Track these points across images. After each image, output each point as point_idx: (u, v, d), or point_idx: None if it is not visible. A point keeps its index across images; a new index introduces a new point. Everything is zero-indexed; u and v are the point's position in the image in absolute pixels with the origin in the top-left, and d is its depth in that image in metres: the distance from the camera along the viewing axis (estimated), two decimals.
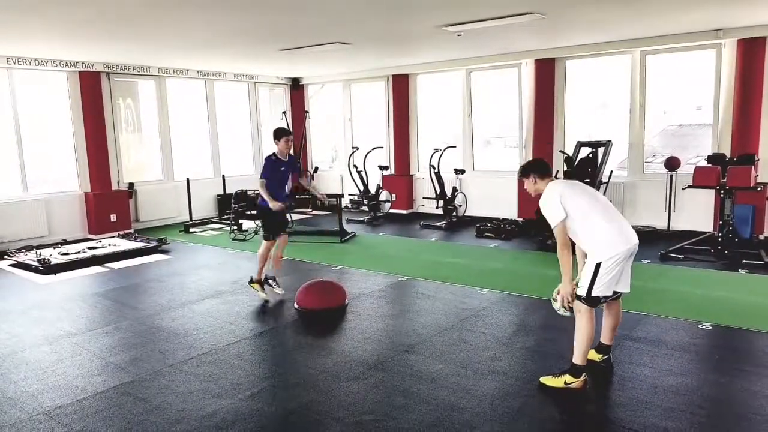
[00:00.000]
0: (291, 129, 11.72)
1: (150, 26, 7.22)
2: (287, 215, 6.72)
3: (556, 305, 4.15)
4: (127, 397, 4.09)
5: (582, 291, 3.98)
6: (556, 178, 4.33)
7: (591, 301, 3.96)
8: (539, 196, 4.16)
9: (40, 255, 8.46)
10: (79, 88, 10.26)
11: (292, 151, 6.64)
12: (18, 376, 4.53)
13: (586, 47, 9.77)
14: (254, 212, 10.70)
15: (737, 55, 8.67)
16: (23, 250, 8.95)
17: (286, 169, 6.42)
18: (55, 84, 10.17)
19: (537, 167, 4.23)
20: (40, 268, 7.95)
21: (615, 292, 4.07)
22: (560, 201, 3.94)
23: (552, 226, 3.99)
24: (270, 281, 6.59)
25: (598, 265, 3.89)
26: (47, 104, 10.38)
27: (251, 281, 6.54)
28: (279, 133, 6.40)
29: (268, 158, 6.35)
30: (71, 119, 10.30)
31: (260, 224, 6.68)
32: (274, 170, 6.31)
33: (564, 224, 3.94)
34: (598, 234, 3.93)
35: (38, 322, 5.85)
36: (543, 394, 4.00)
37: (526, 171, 4.24)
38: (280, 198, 6.41)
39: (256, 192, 10.93)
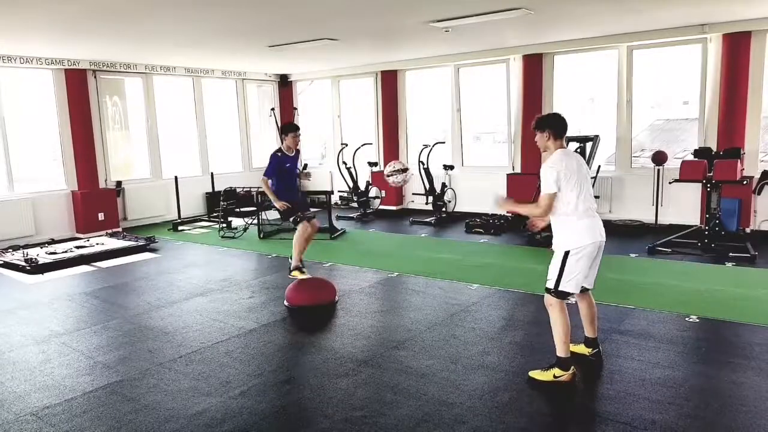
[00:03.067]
0: (280, 126, 11.69)
1: (136, 23, 7.18)
2: (306, 201, 6.78)
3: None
4: (115, 397, 4.08)
5: (551, 284, 4.04)
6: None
7: (559, 294, 4.01)
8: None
9: (27, 254, 8.41)
10: (65, 85, 10.18)
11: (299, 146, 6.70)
12: (5, 376, 4.49)
13: (573, 42, 9.79)
14: (245, 209, 10.73)
15: (723, 49, 8.72)
16: (10, 250, 8.89)
17: (293, 164, 6.47)
18: (41, 82, 10.09)
19: (555, 125, 4.09)
20: (28, 267, 7.89)
21: (582, 288, 4.13)
22: (560, 175, 3.93)
23: (542, 192, 3.98)
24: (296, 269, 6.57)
25: (566, 254, 3.95)
26: (33, 102, 10.30)
27: (290, 270, 6.50)
28: (287, 129, 6.48)
29: (273, 155, 6.40)
30: (57, 117, 10.22)
31: (284, 218, 6.76)
32: (280, 166, 6.36)
33: (551, 198, 3.95)
34: (575, 222, 3.97)
35: (25, 322, 5.81)
36: (532, 388, 4.02)
37: (542, 124, 4.10)
38: (294, 195, 6.51)
39: (246, 190, 10.94)
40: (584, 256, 3.97)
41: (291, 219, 6.54)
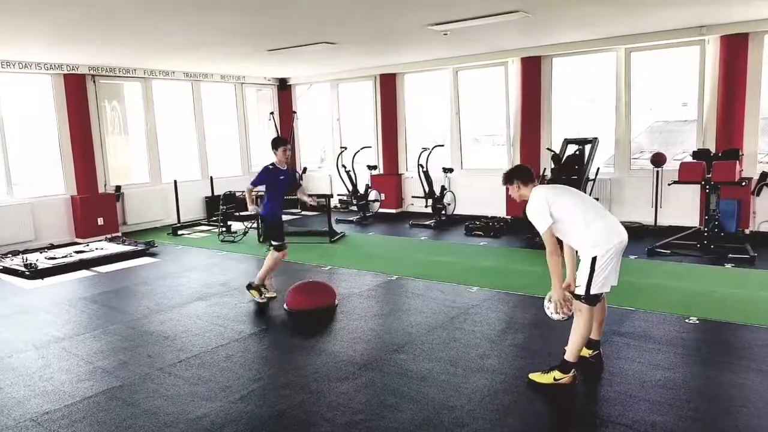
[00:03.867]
0: (279, 130, 11.71)
1: (135, 27, 7.18)
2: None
3: (549, 311, 4.14)
4: (115, 402, 4.07)
5: (581, 290, 3.99)
6: (540, 182, 4.34)
7: (591, 299, 3.98)
8: (524, 201, 4.19)
9: (26, 260, 8.40)
10: (64, 90, 10.18)
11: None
12: (4, 381, 4.48)
13: (571, 45, 9.81)
14: (243, 213, 10.73)
15: (721, 51, 8.73)
16: (9, 255, 8.88)
17: (286, 178, 6.33)
18: (40, 87, 10.09)
19: (520, 174, 4.22)
20: (27, 272, 7.89)
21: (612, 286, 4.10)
22: (547, 206, 3.96)
23: (540, 233, 4.01)
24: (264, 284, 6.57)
25: (594, 259, 3.92)
26: (32, 107, 10.30)
27: (249, 287, 6.42)
28: (276, 143, 6.34)
29: (264, 168, 6.27)
30: (56, 122, 10.22)
31: (269, 235, 6.66)
32: (271, 180, 6.23)
33: (551, 230, 3.97)
34: (590, 230, 3.96)
35: (25, 327, 5.80)
36: (532, 391, 4.02)
37: (509, 178, 4.25)
38: (281, 209, 6.44)
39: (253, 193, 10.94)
40: (610, 258, 3.94)
41: (276, 242, 6.36)
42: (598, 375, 4.25)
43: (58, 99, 10.18)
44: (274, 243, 6.40)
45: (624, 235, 4.03)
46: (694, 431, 3.43)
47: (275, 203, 6.33)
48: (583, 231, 3.97)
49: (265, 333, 5.44)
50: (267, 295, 6.44)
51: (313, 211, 12.76)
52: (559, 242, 4.08)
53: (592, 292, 3.96)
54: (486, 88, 11.79)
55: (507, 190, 4.36)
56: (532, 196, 4.11)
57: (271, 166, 6.28)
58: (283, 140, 6.44)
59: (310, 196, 6.85)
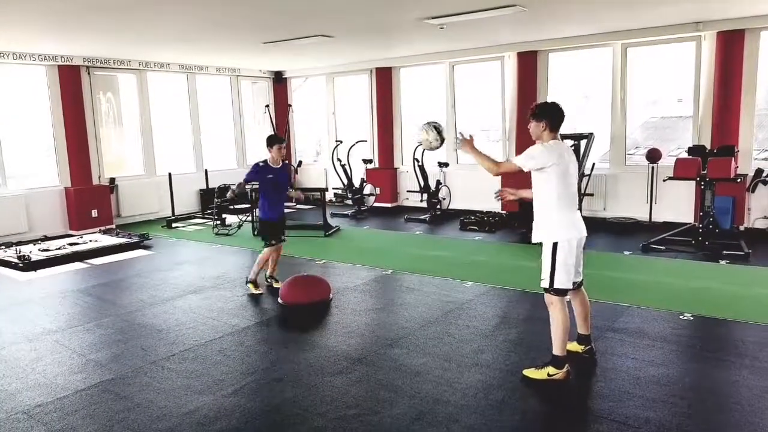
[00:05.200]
0: (274, 123, 11.67)
1: (129, 18, 7.13)
2: (284, 224, 6.68)
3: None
4: (108, 395, 4.05)
5: (545, 282, 4.05)
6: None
7: (557, 291, 4.03)
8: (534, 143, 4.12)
9: (19, 251, 8.35)
10: (59, 82, 10.12)
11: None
12: None
13: (567, 40, 9.79)
14: (239, 206, 10.70)
15: (717, 47, 8.73)
16: (2, 247, 8.84)
17: (276, 176, 6.22)
18: (34, 78, 10.02)
19: (554, 116, 4.01)
20: (20, 264, 7.85)
21: (574, 283, 4.13)
22: (547, 162, 3.92)
23: (514, 161, 4.05)
24: (269, 279, 6.59)
25: (555, 246, 3.96)
26: (26, 99, 10.22)
27: (248, 281, 6.49)
28: (271, 141, 6.25)
29: (255, 164, 6.23)
30: (51, 114, 10.16)
31: (261, 233, 6.63)
32: (261, 178, 6.18)
33: (514, 170, 4.05)
34: (560, 213, 3.98)
35: (17, 320, 5.78)
36: (526, 386, 4.02)
37: (541, 114, 4.02)
38: (279, 212, 6.36)
39: (248, 187, 10.90)
40: (572, 247, 3.99)
41: (265, 239, 6.39)
42: (591, 371, 4.25)
43: (53, 90, 10.12)
44: (264, 240, 6.44)
45: (584, 232, 4.10)
46: (688, 427, 3.43)
47: (267, 203, 6.28)
48: (555, 209, 3.98)
49: (258, 327, 5.42)
50: (275, 285, 6.47)
51: (308, 204, 12.78)
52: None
53: (556, 285, 4.00)
54: (482, 82, 11.76)
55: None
56: (547, 145, 3.99)
57: (261, 164, 6.21)
58: (279, 138, 6.33)
59: (296, 190, 6.79)
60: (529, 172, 4.05)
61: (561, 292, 4.04)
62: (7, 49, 9.17)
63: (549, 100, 4.19)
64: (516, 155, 4.27)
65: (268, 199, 6.27)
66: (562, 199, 3.98)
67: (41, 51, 9.55)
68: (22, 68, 9.83)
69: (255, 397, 3.97)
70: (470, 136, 4.22)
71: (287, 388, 4.11)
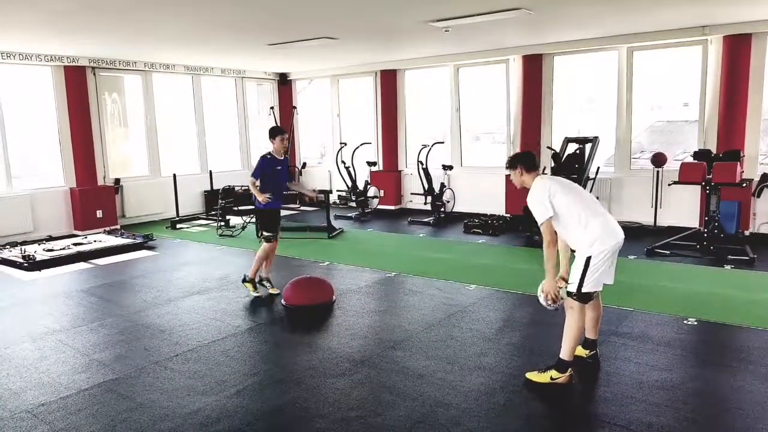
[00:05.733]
0: (279, 124, 11.70)
1: (135, 20, 7.16)
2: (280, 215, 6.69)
3: (542, 299, 4.16)
4: (111, 395, 4.06)
5: (573, 287, 3.99)
6: (543, 173, 4.34)
7: (582, 297, 3.97)
8: (524, 189, 4.19)
9: (24, 251, 8.38)
10: (65, 83, 10.16)
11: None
12: (1, 373, 4.48)
13: (573, 43, 9.78)
14: (242, 208, 10.70)
15: (723, 51, 8.71)
16: (8, 247, 8.87)
17: (283, 168, 6.33)
18: (40, 79, 10.06)
19: (524, 160, 4.21)
20: (25, 264, 7.88)
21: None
22: (548, 197, 3.96)
23: (539, 223, 4.00)
24: (264, 282, 6.55)
25: (588, 260, 3.90)
26: (32, 99, 10.26)
27: (244, 280, 6.47)
28: (274, 132, 6.31)
29: (262, 157, 6.27)
30: (56, 114, 10.20)
31: (261, 226, 6.59)
32: (269, 169, 6.21)
33: (551, 221, 3.96)
34: (587, 229, 3.93)
35: (22, 319, 5.79)
36: (529, 390, 4.01)
37: (513, 163, 4.24)
38: (280, 199, 6.38)
39: (245, 188, 10.92)
40: (605, 258, 3.92)
41: (265, 234, 6.37)
42: (595, 375, 4.24)
43: (59, 91, 10.16)
44: (265, 234, 6.39)
45: (620, 236, 4.01)
46: None
47: (271, 193, 6.25)
48: (580, 228, 3.95)
49: (262, 328, 5.43)
50: (270, 291, 6.45)
51: (312, 206, 12.79)
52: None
53: (584, 290, 3.96)
54: (487, 85, 11.76)
55: (510, 178, 4.35)
56: (534, 184, 4.10)
57: (268, 155, 6.27)
58: (281, 129, 6.43)
59: (313, 189, 6.78)
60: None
61: (586, 298, 3.99)
62: (13, 49, 9.21)
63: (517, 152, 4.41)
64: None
65: (270, 189, 6.25)
66: (584, 212, 3.96)
67: (47, 52, 9.59)
68: (28, 69, 9.87)
69: (257, 399, 3.98)
70: (550, 295, 4.14)
71: (289, 389, 4.11)
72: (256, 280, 6.47)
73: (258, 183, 6.23)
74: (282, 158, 6.36)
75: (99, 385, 4.23)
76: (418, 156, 10.91)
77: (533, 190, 4.09)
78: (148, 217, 11.44)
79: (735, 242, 7.86)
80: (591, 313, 4.31)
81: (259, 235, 9.52)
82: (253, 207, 6.83)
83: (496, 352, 4.70)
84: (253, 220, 10.01)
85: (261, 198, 6.11)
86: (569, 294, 4.02)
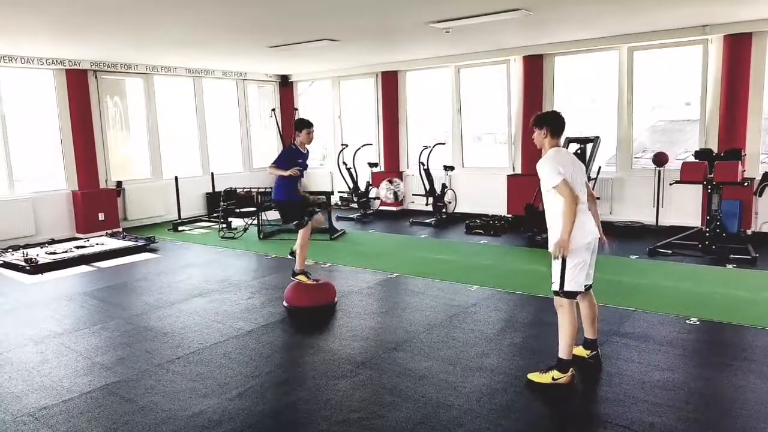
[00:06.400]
0: (280, 127, 11.69)
1: (136, 22, 7.17)
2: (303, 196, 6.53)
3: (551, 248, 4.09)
4: (113, 398, 4.06)
5: (556, 286, 4.04)
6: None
7: (567, 294, 4.01)
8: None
9: (27, 254, 8.40)
10: (66, 86, 10.18)
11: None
12: (3, 377, 4.48)
13: (573, 43, 9.78)
14: (244, 210, 10.70)
15: (724, 50, 8.70)
16: (10, 250, 8.88)
17: (303, 161, 6.28)
18: (42, 82, 10.08)
19: (553, 122, 4.12)
20: (27, 267, 7.89)
21: (585, 285, 4.11)
22: (556, 167, 3.93)
23: (553, 185, 3.91)
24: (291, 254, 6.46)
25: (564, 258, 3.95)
26: (34, 102, 10.29)
27: (294, 274, 6.30)
28: (301, 124, 6.24)
29: (288, 146, 6.25)
30: (58, 117, 10.22)
31: (286, 217, 6.45)
32: (291, 159, 6.13)
33: (565, 182, 3.88)
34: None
35: (24, 322, 5.80)
36: (531, 390, 4.01)
37: (541, 121, 4.13)
38: (296, 194, 6.25)
39: (246, 190, 10.92)
40: (583, 252, 3.97)
41: (296, 222, 6.25)
42: (596, 375, 4.23)
43: (60, 94, 10.18)
44: (296, 223, 6.27)
45: (597, 234, 4.06)
46: None
47: (290, 187, 6.16)
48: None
49: (263, 330, 5.43)
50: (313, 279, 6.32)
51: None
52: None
53: (567, 288, 3.97)
54: (488, 86, 11.76)
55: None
56: (550, 153, 4.05)
57: (293, 146, 6.23)
58: (308, 122, 6.32)
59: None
60: (539, 183, 4.05)
61: (571, 295, 4.02)
62: (15, 53, 9.23)
63: (550, 109, 4.21)
64: (522, 158, 4.30)
65: (293, 183, 6.16)
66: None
67: (49, 55, 9.61)
68: (29, 72, 9.88)
69: (259, 401, 3.98)
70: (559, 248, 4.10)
71: (291, 391, 4.11)
72: (305, 269, 6.31)
73: (275, 166, 6.10)
74: (305, 152, 6.31)
75: (101, 388, 4.23)
76: (419, 157, 10.91)
77: (546, 157, 4.03)
78: (150, 220, 11.45)
79: (737, 241, 7.85)
80: (586, 311, 4.31)
81: (261, 237, 9.58)
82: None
83: (498, 353, 4.69)
84: (254, 222, 10.02)
85: (287, 173, 5.97)
86: (555, 293, 4.06)
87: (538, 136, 4.15)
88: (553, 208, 4.03)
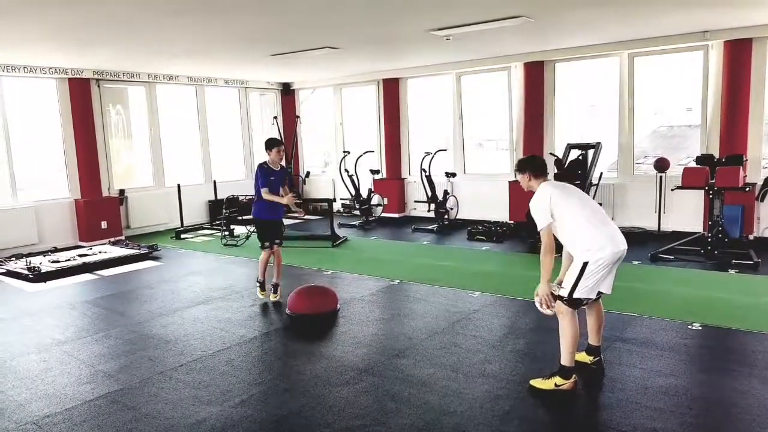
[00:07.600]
0: (282, 134, 11.73)
1: (139, 32, 7.21)
2: (282, 226, 6.83)
3: (537, 305, 4.17)
4: (116, 406, 4.07)
5: (564, 292, 4.01)
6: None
7: (572, 302, 3.99)
8: (530, 192, 4.21)
9: (30, 263, 8.42)
10: (69, 95, 10.22)
11: (283, 162, 6.61)
12: (6, 385, 4.49)
13: (574, 50, 9.81)
14: (246, 218, 10.71)
15: (724, 56, 8.72)
16: (13, 258, 8.91)
17: (277, 179, 6.39)
18: (45, 91, 10.13)
19: (533, 165, 4.24)
20: (30, 276, 7.91)
21: (598, 293, 4.08)
22: (549, 204, 3.97)
23: (539, 229, 4.02)
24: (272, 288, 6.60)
25: (585, 264, 3.91)
26: (37, 111, 10.34)
27: (258, 282, 6.66)
28: (270, 144, 6.38)
29: (259, 166, 6.34)
30: (61, 126, 10.26)
31: (259, 237, 6.65)
32: (265, 178, 6.29)
33: (550, 228, 3.98)
34: (587, 237, 3.93)
35: (27, 331, 5.82)
36: (533, 397, 4.01)
37: (522, 166, 4.27)
38: (278, 213, 6.49)
39: (248, 198, 10.94)
40: (603, 266, 3.91)
41: (259, 242, 6.55)
42: (599, 381, 4.24)
43: (63, 103, 10.22)
44: (259, 243, 6.57)
45: (622, 246, 3.99)
46: None
47: (264, 204, 6.32)
48: (580, 234, 3.96)
49: (266, 337, 5.44)
50: (271, 297, 6.52)
51: (316, 215, 12.82)
52: (559, 246, 4.08)
53: (575, 296, 3.97)
54: (489, 92, 11.79)
55: (514, 186, 4.40)
56: (538, 191, 4.13)
57: (265, 165, 6.35)
58: (277, 141, 6.48)
59: (291, 194, 6.64)
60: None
61: (575, 304, 4.01)
62: (18, 62, 9.28)
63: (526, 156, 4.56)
64: None
65: (266, 201, 6.30)
66: (585, 219, 3.97)
67: (51, 64, 9.66)
68: (33, 81, 9.93)
69: (262, 408, 3.98)
70: (544, 300, 4.13)
71: (294, 398, 4.11)
72: (263, 280, 6.62)
73: (267, 191, 6.25)
74: (277, 169, 6.41)
75: (104, 395, 4.24)
76: (421, 164, 10.93)
77: (536, 195, 4.11)
78: (153, 228, 11.47)
79: (739, 246, 7.84)
80: (593, 320, 4.32)
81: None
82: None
83: (501, 360, 4.69)
84: (255, 230, 10.02)
85: (285, 200, 6.28)
86: (559, 298, 4.04)
87: (523, 179, 4.29)
88: (562, 230, 4.04)
